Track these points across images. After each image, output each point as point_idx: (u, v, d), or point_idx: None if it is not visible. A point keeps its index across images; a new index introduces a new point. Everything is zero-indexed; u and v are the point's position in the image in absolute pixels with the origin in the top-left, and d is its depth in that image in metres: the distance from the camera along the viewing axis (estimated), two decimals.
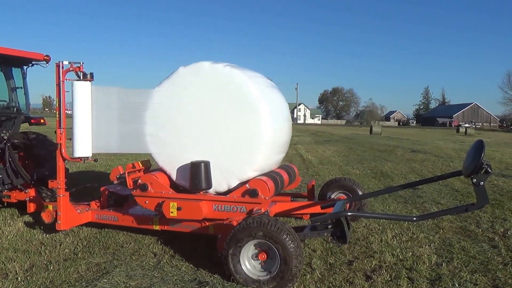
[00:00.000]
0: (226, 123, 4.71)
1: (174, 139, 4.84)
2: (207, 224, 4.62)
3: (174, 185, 4.94)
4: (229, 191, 4.74)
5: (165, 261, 4.51)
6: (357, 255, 4.78)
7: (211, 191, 4.79)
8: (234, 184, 4.74)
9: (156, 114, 4.88)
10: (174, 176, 4.90)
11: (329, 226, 4.40)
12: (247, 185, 4.55)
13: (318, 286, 3.98)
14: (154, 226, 4.90)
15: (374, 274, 4.24)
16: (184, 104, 4.81)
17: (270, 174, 4.91)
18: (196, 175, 4.59)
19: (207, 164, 4.62)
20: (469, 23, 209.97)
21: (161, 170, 5.02)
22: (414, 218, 4.61)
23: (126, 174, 4.91)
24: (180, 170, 4.85)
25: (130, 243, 5.05)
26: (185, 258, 4.57)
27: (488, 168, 3.90)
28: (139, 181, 4.84)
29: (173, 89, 4.85)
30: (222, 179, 4.75)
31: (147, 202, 4.80)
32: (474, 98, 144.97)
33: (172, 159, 4.89)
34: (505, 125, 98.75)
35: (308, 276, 4.16)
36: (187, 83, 4.82)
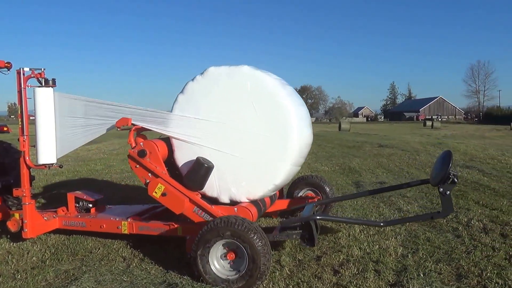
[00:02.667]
0: (253, 133, 4.52)
1: (198, 137, 4.64)
2: (176, 226, 4.62)
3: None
4: (218, 202, 4.69)
5: (134, 265, 4.49)
6: (325, 250, 4.87)
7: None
8: (238, 199, 4.64)
9: (185, 106, 4.70)
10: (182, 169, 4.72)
11: (298, 229, 4.49)
12: (235, 209, 4.48)
13: (287, 282, 4.04)
14: (122, 230, 4.86)
15: (341, 268, 4.34)
16: (214, 104, 4.61)
17: (254, 202, 4.80)
18: (194, 172, 4.49)
19: (209, 168, 4.49)
20: (432, 19, 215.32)
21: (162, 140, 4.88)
22: (381, 224, 4.86)
23: (133, 129, 4.71)
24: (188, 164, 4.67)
25: (99, 249, 4.99)
26: (154, 261, 4.55)
27: (455, 178, 4.10)
28: (141, 144, 4.69)
29: (206, 87, 4.67)
30: (225, 190, 4.65)
31: (137, 166, 4.68)
32: (440, 92, 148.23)
33: (189, 152, 4.67)
34: (469, 117, 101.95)
35: (277, 273, 4.22)
36: (220, 84, 4.62)
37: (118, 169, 11.91)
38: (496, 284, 3.91)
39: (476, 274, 4.14)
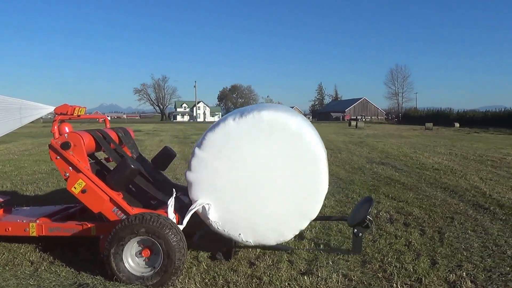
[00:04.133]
0: (283, 181, 4.14)
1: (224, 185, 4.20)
2: (89, 225, 4.48)
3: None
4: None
5: (43, 268, 4.28)
6: (242, 245, 4.96)
7: None
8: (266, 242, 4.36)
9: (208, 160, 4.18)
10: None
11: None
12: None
13: (204, 277, 4.07)
14: (30, 233, 4.60)
15: (257, 260, 4.45)
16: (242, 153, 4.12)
17: (176, 206, 4.72)
18: (119, 173, 4.39)
19: (135, 170, 4.44)
20: (355, 25, 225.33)
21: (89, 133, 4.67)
22: (289, 251, 4.76)
23: (57, 118, 4.43)
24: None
25: (4, 254, 4.68)
26: (65, 263, 4.38)
27: (369, 223, 4.43)
28: (66, 135, 4.41)
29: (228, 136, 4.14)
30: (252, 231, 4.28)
31: (58, 158, 4.41)
32: (363, 94, 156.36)
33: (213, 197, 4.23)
34: (390, 118, 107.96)
35: (194, 269, 4.25)
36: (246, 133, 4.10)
37: (30, 170, 11.11)
38: (395, 267, 4.24)
39: (379, 259, 4.45)
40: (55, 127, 4.47)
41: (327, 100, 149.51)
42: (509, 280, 3.94)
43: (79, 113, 4.79)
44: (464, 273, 4.07)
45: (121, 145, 5.30)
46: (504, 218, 6.10)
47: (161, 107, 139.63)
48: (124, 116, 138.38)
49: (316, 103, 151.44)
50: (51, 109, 4.68)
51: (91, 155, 5.01)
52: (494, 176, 10.00)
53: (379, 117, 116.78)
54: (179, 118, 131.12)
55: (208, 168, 4.17)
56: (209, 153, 4.17)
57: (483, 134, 37.00)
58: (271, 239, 4.30)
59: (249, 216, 4.21)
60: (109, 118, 5.88)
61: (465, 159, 13.79)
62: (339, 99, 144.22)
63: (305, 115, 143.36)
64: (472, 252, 4.71)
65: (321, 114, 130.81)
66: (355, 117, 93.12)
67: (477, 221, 5.97)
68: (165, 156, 5.57)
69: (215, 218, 4.23)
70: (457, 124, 55.39)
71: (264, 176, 4.13)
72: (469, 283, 3.85)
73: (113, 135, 5.20)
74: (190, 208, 4.21)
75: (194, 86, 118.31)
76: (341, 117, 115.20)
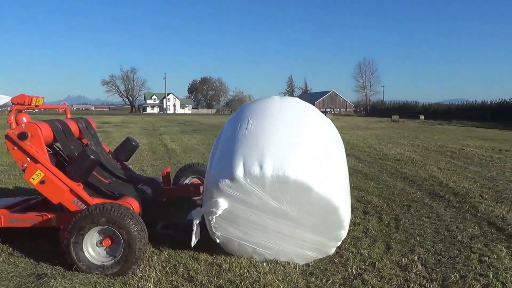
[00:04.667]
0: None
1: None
2: (50, 216, 4.45)
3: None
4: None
5: (1, 259, 4.24)
6: (204, 233, 5.02)
7: None
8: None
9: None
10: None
11: (181, 230, 4.62)
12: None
13: (164, 265, 4.12)
14: None
15: (218, 249, 4.52)
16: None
17: (137, 196, 4.79)
18: (79, 163, 4.35)
19: (95, 161, 4.41)
20: (324, 18, 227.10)
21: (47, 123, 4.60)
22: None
23: (14, 108, 4.34)
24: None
25: None
26: (25, 254, 4.35)
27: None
28: (23, 125, 4.34)
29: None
30: None
31: (14, 148, 4.33)
32: (332, 87, 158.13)
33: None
34: (358, 110, 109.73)
35: (155, 257, 4.29)
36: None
37: None
38: (351, 253, 4.42)
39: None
40: (12, 117, 4.41)
41: (297, 92, 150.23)
42: (457, 263, 4.16)
43: (37, 103, 4.73)
44: (416, 257, 4.28)
45: (81, 136, 5.27)
46: (457, 205, 6.39)
47: (131, 99, 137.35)
48: (93, 108, 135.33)
49: (286, 95, 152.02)
50: (7, 99, 4.60)
51: (50, 146, 4.96)
52: (451, 166, 10.40)
53: (347, 109, 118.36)
54: (149, 110, 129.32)
55: None
56: None
57: (446, 126, 38.20)
58: None
59: None
60: (74, 109, 5.81)
61: (426, 150, 14.25)
62: (308, 92, 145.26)
63: None
64: (425, 237, 4.94)
65: None
66: (324, 110, 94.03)
67: (432, 208, 6.23)
68: (128, 147, 5.57)
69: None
70: (422, 117, 56.93)
71: None
72: (420, 266, 4.06)
73: (73, 126, 5.16)
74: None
75: (164, 78, 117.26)
76: None
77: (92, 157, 4.39)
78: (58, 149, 5.13)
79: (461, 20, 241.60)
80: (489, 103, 58.40)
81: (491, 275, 3.85)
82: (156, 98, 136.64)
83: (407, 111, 69.45)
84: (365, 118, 62.31)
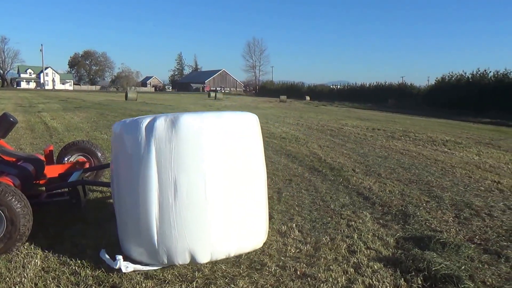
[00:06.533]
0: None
1: None
2: None
3: None
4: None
5: None
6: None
7: None
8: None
9: None
10: None
11: (66, 195, 4.53)
12: None
13: (51, 242, 4.04)
14: None
15: (108, 222, 4.54)
16: None
17: (17, 173, 4.56)
18: None
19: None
20: None
21: None
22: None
23: None
24: None
25: None
26: None
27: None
28: None
29: None
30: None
31: None
32: (223, 65, 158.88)
33: None
34: (248, 90, 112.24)
35: (41, 234, 4.19)
36: None
37: None
38: None
39: None
40: None
41: (187, 70, 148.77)
42: (328, 227, 4.72)
43: None
44: (294, 225, 4.75)
45: None
46: (332, 179, 7.10)
47: (1, 72, 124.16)
48: None
49: (176, 73, 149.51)
50: None
51: None
52: (330, 143, 11.36)
53: (237, 89, 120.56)
54: (23, 84, 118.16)
55: None
56: None
57: (329, 107, 41.02)
58: None
59: None
60: None
61: (309, 129, 15.31)
62: (199, 70, 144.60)
63: (164, 85, 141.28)
64: (303, 207, 5.47)
65: (181, 84, 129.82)
66: (214, 89, 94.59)
67: (311, 182, 6.85)
68: (4, 124, 5.25)
69: None
70: (308, 98, 60.27)
71: None
72: (297, 232, 4.52)
73: None
74: None
75: (41, 50, 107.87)
76: (200, 88, 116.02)
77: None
78: None
79: (345, 5, 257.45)
80: (367, 85, 63.67)
81: (355, 236, 4.45)
82: (32, 72, 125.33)
83: (295, 92, 72.98)
84: (254, 98, 64.15)
